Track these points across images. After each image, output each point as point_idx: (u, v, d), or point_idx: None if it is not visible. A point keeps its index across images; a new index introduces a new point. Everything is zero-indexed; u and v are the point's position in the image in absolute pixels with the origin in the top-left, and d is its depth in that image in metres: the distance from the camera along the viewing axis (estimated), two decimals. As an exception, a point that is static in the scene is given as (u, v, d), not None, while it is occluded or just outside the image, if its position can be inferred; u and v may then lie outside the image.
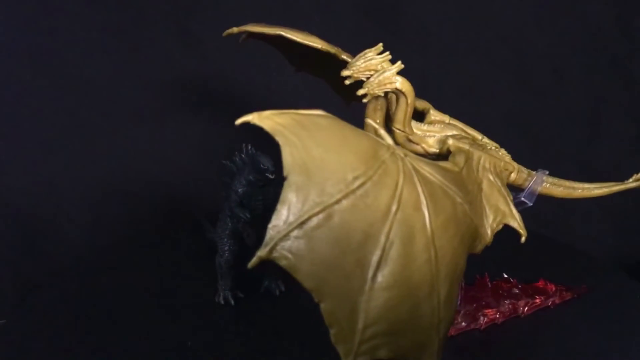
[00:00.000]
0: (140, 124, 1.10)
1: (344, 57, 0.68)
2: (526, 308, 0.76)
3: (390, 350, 0.51)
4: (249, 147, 0.73)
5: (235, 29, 0.71)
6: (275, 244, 0.46)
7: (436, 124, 0.68)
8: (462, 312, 0.73)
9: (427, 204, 0.52)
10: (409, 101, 0.61)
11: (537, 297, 0.77)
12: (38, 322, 0.75)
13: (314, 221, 0.47)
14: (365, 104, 0.65)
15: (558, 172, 0.79)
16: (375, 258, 0.50)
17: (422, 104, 0.68)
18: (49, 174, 1.07)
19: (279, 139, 0.49)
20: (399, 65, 0.60)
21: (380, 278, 0.50)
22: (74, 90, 1.06)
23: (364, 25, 1.11)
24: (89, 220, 1.09)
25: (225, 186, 0.75)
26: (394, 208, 0.51)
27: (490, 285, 0.78)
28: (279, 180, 0.67)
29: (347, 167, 0.50)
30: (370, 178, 0.50)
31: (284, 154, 0.48)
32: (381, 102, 0.63)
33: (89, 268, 0.86)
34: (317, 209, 0.47)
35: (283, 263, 0.47)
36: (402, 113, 0.62)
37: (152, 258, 0.89)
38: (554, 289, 0.79)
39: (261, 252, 0.46)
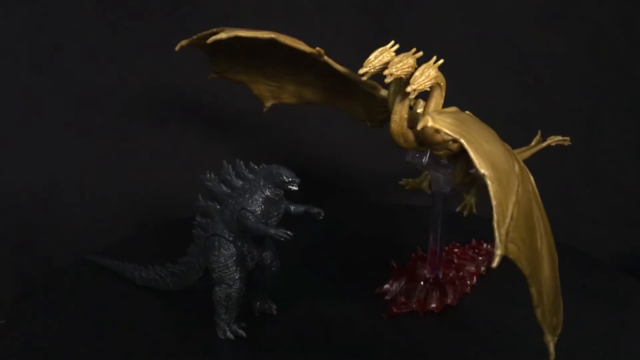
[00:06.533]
0: (141, 124, 1.10)
1: (325, 58, 0.70)
2: (483, 267, 0.85)
3: (554, 316, 0.56)
4: (244, 163, 0.69)
5: (223, 35, 0.68)
6: (507, 239, 0.48)
7: None
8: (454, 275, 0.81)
9: (531, 179, 0.58)
10: (443, 94, 0.62)
11: (480, 256, 0.87)
12: (38, 322, 0.75)
13: (515, 211, 0.50)
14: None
15: (558, 172, 0.80)
16: (538, 236, 0.55)
17: None
18: (49, 174, 1.07)
19: (462, 140, 0.52)
20: (436, 59, 0.60)
21: (543, 253, 0.55)
22: (74, 91, 1.06)
23: (364, 24, 1.11)
24: (89, 220, 1.09)
25: (209, 210, 0.69)
26: (530, 188, 0.56)
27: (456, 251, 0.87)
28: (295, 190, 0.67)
29: (507, 157, 0.54)
30: (517, 164, 0.55)
31: (472, 152, 0.50)
32: (409, 99, 0.63)
33: (89, 268, 0.86)
34: (514, 199, 0.51)
35: (512, 256, 0.49)
36: (437, 105, 0.62)
37: (152, 258, 0.88)
38: (486, 245, 0.89)
39: (500, 251, 0.48)
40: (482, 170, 0.49)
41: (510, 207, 0.50)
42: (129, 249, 0.92)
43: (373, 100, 0.73)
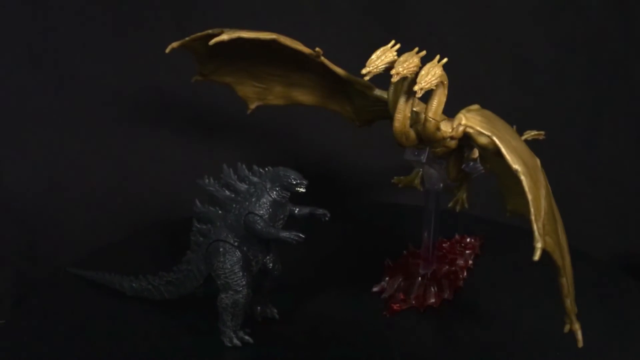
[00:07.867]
0: (141, 124, 1.10)
1: (322, 59, 0.70)
2: (470, 260, 0.86)
3: (574, 299, 0.57)
4: (246, 166, 0.67)
5: (225, 37, 0.67)
6: (544, 231, 0.50)
7: None
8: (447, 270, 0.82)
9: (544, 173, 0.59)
10: (446, 92, 0.63)
11: (467, 250, 0.88)
12: (38, 322, 0.75)
13: (546, 205, 0.52)
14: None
15: (558, 172, 0.80)
16: (559, 228, 0.56)
17: None
18: (49, 174, 1.07)
19: (494, 137, 0.54)
20: (439, 58, 0.61)
21: (563, 244, 0.56)
22: (74, 90, 1.06)
23: (364, 24, 1.11)
24: (89, 220, 1.09)
25: (210, 216, 0.67)
26: (547, 182, 0.57)
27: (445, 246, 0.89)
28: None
29: (529, 153, 0.56)
30: (537, 159, 0.56)
31: (503, 150, 0.52)
32: (413, 98, 0.63)
33: (89, 268, 0.85)
34: (544, 192, 0.53)
35: (549, 248, 0.50)
36: (439, 104, 0.62)
37: (152, 259, 0.89)
38: (470, 239, 0.91)
39: (541, 244, 0.49)
40: (515, 166, 0.50)
41: (542, 201, 0.51)
42: (115, 256, 0.91)
43: (365, 99, 0.73)
